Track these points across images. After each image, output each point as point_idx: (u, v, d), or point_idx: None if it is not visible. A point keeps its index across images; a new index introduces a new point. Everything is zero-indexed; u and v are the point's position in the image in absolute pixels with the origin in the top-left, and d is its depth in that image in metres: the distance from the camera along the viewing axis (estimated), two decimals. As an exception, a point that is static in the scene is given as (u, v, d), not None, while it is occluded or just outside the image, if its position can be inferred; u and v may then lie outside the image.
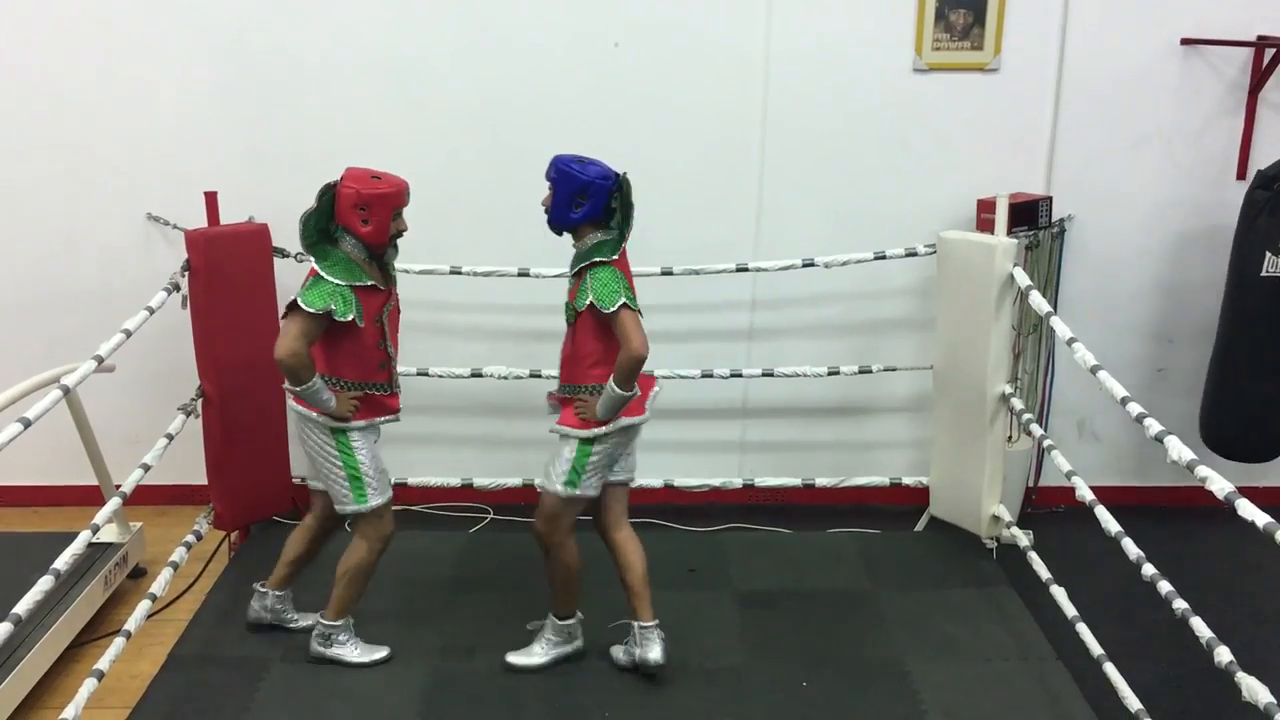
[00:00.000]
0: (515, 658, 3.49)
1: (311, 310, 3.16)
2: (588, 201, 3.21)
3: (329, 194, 3.23)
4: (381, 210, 3.21)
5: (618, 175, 3.24)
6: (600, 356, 3.27)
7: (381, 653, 3.54)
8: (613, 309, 3.15)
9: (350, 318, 3.21)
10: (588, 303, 3.18)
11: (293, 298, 3.21)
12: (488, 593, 3.89)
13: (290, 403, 3.39)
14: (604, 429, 3.27)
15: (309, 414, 3.31)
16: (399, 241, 3.35)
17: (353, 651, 3.51)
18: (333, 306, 3.17)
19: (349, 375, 3.33)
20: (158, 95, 4.38)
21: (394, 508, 4.70)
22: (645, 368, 3.26)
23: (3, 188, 4.48)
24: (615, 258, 3.24)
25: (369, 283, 3.27)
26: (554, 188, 3.25)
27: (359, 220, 3.21)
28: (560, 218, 3.27)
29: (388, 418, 3.47)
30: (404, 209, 3.29)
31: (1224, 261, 4.46)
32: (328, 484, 3.40)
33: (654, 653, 3.39)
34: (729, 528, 4.52)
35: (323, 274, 3.20)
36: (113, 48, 4.32)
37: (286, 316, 3.22)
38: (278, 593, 3.67)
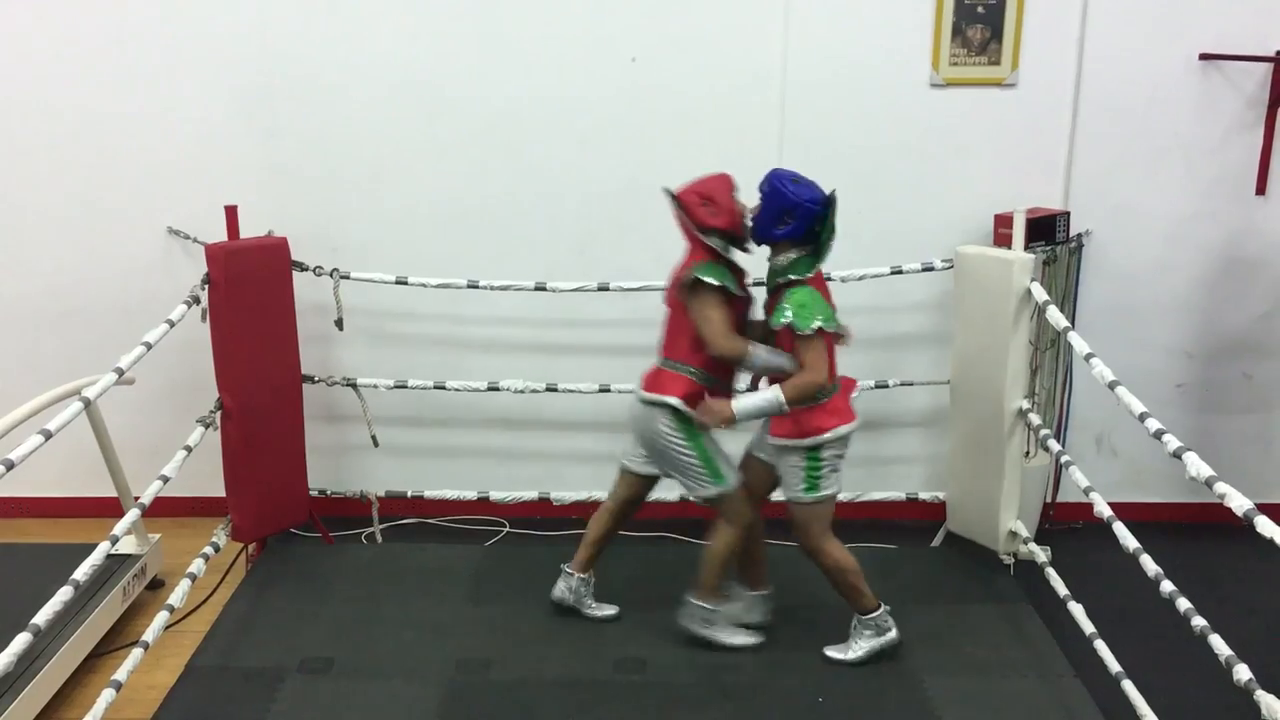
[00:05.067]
0: (833, 651, 3.56)
1: (716, 283, 3.25)
2: (793, 222, 3.26)
3: (676, 202, 3.34)
4: (722, 194, 3.32)
5: (826, 199, 3.27)
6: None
7: (750, 640, 3.59)
8: (806, 331, 3.21)
9: (739, 294, 3.33)
10: (784, 322, 3.24)
11: (689, 278, 3.27)
12: (503, 606, 3.88)
13: (640, 392, 3.42)
14: (826, 435, 3.30)
15: (661, 398, 3.35)
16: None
17: (724, 633, 3.59)
18: (727, 284, 3.27)
19: (704, 365, 3.39)
20: (178, 110, 4.42)
21: (409, 521, 4.72)
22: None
23: (24, 201, 4.52)
24: (810, 276, 3.30)
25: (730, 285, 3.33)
26: (764, 201, 3.30)
27: (709, 215, 3.30)
28: (763, 232, 3.33)
29: None
30: (737, 190, 3.36)
31: (1243, 276, 4.43)
32: (681, 474, 3.45)
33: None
34: (745, 542, 4.51)
35: (708, 244, 3.30)
36: (133, 62, 4.37)
37: (695, 304, 3.29)
38: (581, 575, 3.75)
